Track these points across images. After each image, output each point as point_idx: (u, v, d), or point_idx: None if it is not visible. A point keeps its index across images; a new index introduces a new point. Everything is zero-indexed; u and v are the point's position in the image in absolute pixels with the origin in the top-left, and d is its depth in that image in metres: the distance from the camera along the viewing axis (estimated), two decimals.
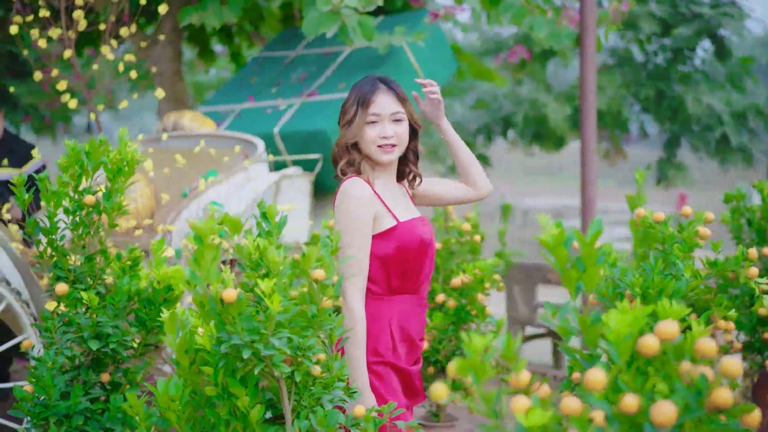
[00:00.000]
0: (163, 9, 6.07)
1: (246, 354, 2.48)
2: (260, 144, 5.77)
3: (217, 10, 6.43)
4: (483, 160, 16.59)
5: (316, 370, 2.65)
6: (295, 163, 6.23)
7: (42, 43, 5.79)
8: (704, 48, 14.68)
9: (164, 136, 5.85)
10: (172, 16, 7.47)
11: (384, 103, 3.21)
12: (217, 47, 11.41)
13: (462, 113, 16.73)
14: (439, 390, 1.84)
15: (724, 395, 1.71)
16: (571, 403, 1.78)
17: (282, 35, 7.81)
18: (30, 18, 5.99)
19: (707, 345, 1.80)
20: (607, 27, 6.84)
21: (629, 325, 1.82)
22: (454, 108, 16.70)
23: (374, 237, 3.13)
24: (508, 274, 7.29)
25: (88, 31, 6.90)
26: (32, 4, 6.27)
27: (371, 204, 3.13)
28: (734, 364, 1.73)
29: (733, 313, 3.61)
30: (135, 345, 3.46)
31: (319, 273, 2.65)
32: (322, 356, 2.70)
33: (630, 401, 1.71)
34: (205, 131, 6.12)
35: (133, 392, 2.85)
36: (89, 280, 3.48)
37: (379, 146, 3.19)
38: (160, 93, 5.97)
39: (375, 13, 7.45)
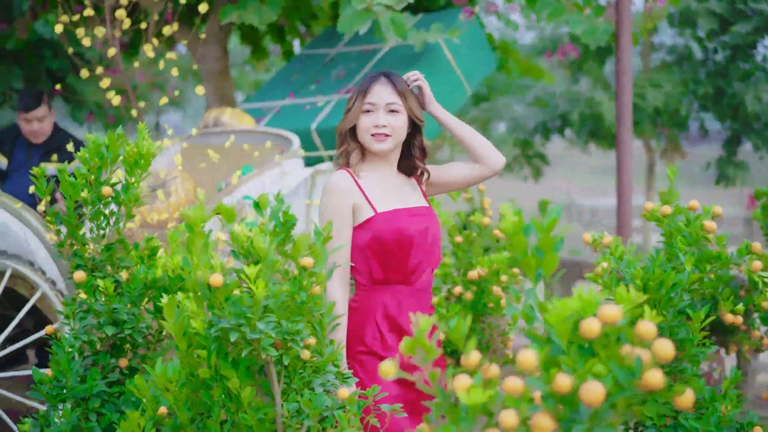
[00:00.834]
0: (203, 8, 6.22)
1: (233, 337, 2.58)
2: (295, 140, 5.89)
3: (257, 9, 6.56)
4: (541, 158, 16.56)
5: (305, 354, 2.74)
6: (332, 158, 6.35)
7: (86, 42, 5.98)
8: (765, 45, 14.47)
9: (193, 131, 6.01)
10: (217, 15, 7.64)
11: (380, 93, 3.31)
12: (270, 45, 11.57)
13: (520, 111, 16.71)
14: (386, 367, 1.92)
15: (656, 377, 1.76)
16: (512, 383, 1.85)
17: (325, 33, 7.94)
18: (76, 17, 6.19)
19: (647, 329, 1.84)
20: (644, 24, 6.82)
21: (572, 309, 1.88)
22: (512, 107, 16.70)
23: (354, 228, 3.23)
24: None
25: (137, 29, 7.08)
26: (79, 4, 6.46)
27: (348, 195, 3.23)
28: (667, 346, 1.78)
29: (740, 307, 3.63)
30: (152, 332, 3.59)
31: (307, 260, 2.75)
32: (311, 341, 2.79)
33: (563, 381, 1.77)
34: (243, 127, 6.26)
35: (141, 376, 2.97)
36: (108, 268, 3.62)
37: (372, 135, 3.31)
38: (200, 90, 6.12)
39: (415, 10, 7.53)
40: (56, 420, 3.28)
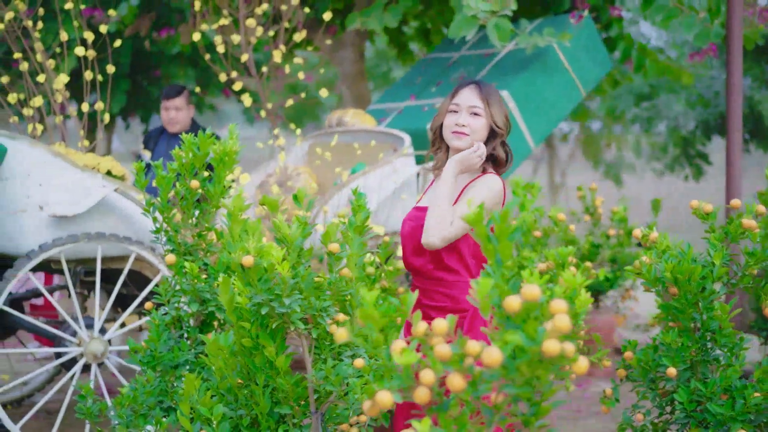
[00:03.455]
0: (327, 16, 6.70)
1: (264, 310, 2.99)
2: (407, 139, 6.27)
3: (379, 16, 6.99)
4: (703, 158, 16.30)
5: (333, 328, 3.12)
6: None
7: (221, 49, 6.56)
8: None
9: (296, 137, 6.47)
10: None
11: (466, 96, 3.63)
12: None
13: (680, 110, 16.47)
14: (339, 333, 2.28)
15: (552, 346, 2.05)
16: (442, 349, 2.17)
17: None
18: (216, 25, 6.80)
19: (557, 305, 2.13)
20: (757, 28, 6.85)
21: (493, 286, 2.19)
22: (672, 106, 16.49)
23: None
24: None
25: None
26: (214, 14, 7.06)
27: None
28: (563, 320, 2.06)
29: None
30: None
31: (333, 246, 3.14)
32: (339, 317, 3.17)
33: (472, 346, 2.09)
34: (363, 127, 6.70)
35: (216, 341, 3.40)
36: (201, 253, 4.10)
37: (452, 132, 3.63)
38: (323, 92, 6.58)
39: (533, 16, 7.78)
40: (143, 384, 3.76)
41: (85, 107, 5.88)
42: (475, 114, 3.62)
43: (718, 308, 3.55)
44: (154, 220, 4.05)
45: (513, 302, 2.15)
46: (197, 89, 7.59)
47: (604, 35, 8.69)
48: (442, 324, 2.26)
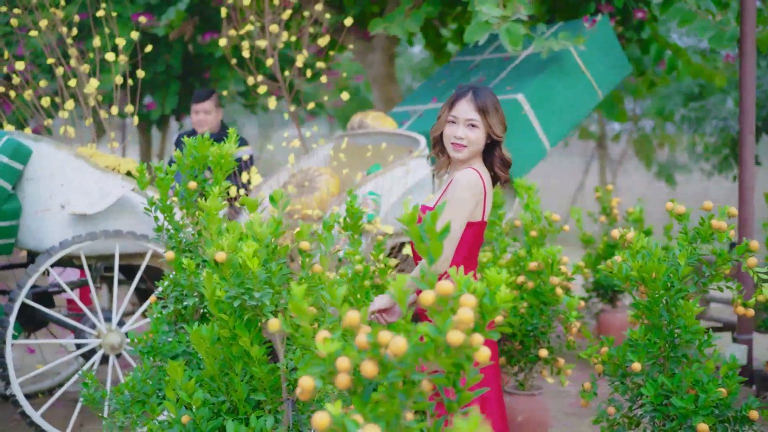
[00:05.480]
0: (348, 22, 6.93)
1: (235, 303, 3.22)
2: (422, 140, 6.45)
3: (401, 22, 7.20)
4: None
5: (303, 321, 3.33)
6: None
7: (246, 53, 6.82)
8: None
9: (306, 139, 6.68)
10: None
11: (463, 109, 3.81)
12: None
13: (730, 110, 16.35)
14: (271, 323, 2.49)
15: (455, 336, 2.24)
16: (360, 339, 2.37)
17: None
18: (243, 30, 7.06)
19: (466, 300, 2.31)
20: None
21: (405, 282, 2.38)
22: (721, 105, 16.39)
23: None
24: None
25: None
26: (242, 19, 7.33)
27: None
28: (468, 314, 2.25)
29: (752, 300, 3.89)
30: None
31: (304, 244, 3.35)
32: (312, 310, 3.38)
33: (383, 336, 2.29)
34: (381, 129, 6.90)
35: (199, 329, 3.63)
36: (200, 250, 4.34)
37: (452, 143, 3.84)
38: (344, 96, 6.80)
39: (552, 21, 7.91)
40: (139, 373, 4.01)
41: (115, 110, 6.18)
42: (473, 126, 3.80)
43: (683, 306, 3.69)
44: (156, 218, 4.30)
45: (428, 296, 2.34)
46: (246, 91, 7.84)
47: (636, 38, 8.79)
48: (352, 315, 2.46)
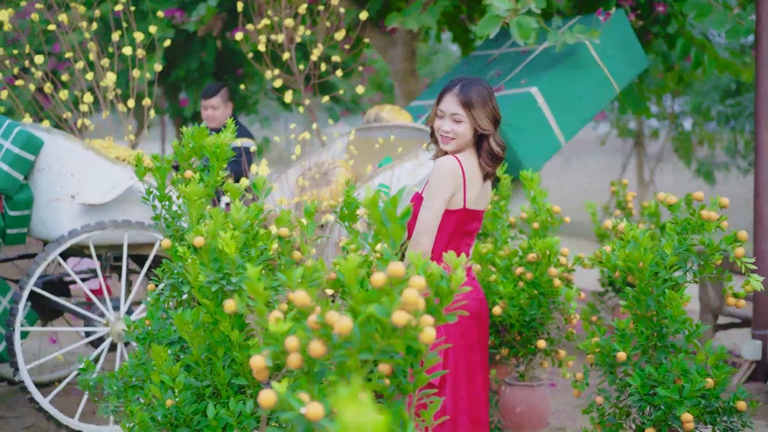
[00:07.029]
0: (363, 16, 6.96)
1: (214, 288, 3.27)
2: None
3: (417, 16, 7.22)
4: None
5: (283, 306, 3.37)
6: None
7: (261, 47, 6.89)
8: None
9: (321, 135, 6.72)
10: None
11: (448, 103, 3.88)
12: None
13: None
14: (227, 304, 2.53)
15: (399, 316, 2.26)
16: (311, 319, 2.40)
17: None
18: (261, 25, 7.12)
19: (414, 282, 2.34)
20: None
21: (357, 265, 2.41)
22: None
23: None
24: None
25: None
26: (260, 15, 7.40)
27: None
28: (412, 294, 2.27)
29: (742, 291, 3.87)
30: None
31: (283, 231, 3.39)
32: (290, 296, 3.42)
33: (330, 317, 2.31)
34: (397, 123, 6.93)
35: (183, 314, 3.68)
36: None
37: (440, 136, 3.91)
38: (360, 89, 6.84)
39: (576, 13, 7.88)
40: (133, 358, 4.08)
41: (130, 104, 6.27)
42: (457, 121, 3.85)
43: (669, 296, 3.68)
44: (153, 207, 4.36)
45: (378, 278, 2.37)
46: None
47: (663, 32, 8.72)
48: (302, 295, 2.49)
